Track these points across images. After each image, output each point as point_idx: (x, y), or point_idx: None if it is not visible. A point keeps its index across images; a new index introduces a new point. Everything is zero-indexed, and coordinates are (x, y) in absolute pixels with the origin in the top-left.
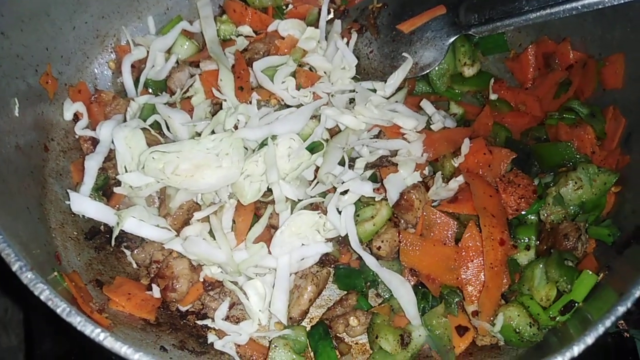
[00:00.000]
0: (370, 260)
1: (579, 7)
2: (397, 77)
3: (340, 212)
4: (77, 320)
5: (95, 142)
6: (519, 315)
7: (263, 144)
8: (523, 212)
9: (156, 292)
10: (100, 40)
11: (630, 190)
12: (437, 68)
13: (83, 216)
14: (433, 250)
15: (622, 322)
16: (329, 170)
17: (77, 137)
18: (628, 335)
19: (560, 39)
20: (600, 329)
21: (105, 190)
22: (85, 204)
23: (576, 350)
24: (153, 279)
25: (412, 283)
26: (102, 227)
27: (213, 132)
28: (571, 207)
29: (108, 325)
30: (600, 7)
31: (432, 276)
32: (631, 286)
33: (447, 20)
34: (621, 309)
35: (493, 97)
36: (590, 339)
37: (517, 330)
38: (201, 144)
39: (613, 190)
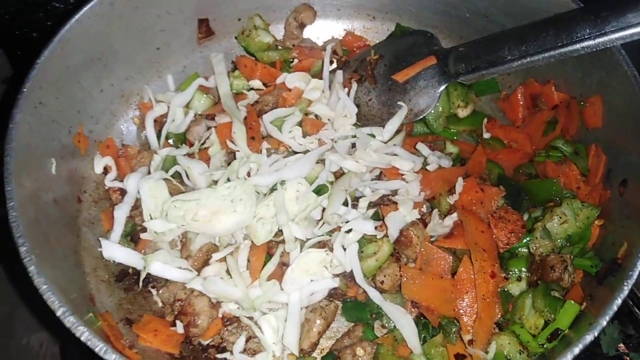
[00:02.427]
0: (374, 294)
1: (556, 55)
2: (394, 124)
3: (345, 250)
4: (112, 358)
5: (123, 192)
6: (509, 343)
7: (273, 189)
8: (514, 246)
9: (180, 328)
10: (125, 99)
11: (612, 223)
12: (433, 111)
13: (113, 261)
14: (431, 283)
15: (622, 345)
16: (334, 210)
17: (106, 188)
18: (628, 359)
19: (545, 81)
20: (569, 356)
21: (133, 236)
22: (115, 251)
23: None
24: (177, 316)
25: (414, 315)
26: (131, 270)
27: (228, 180)
28: (558, 240)
29: None
30: (575, 54)
31: (431, 307)
32: (599, 317)
33: (437, 69)
34: (589, 337)
35: (486, 135)
36: None
37: (509, 357)
38: (217, 192)
39: (596, 223)
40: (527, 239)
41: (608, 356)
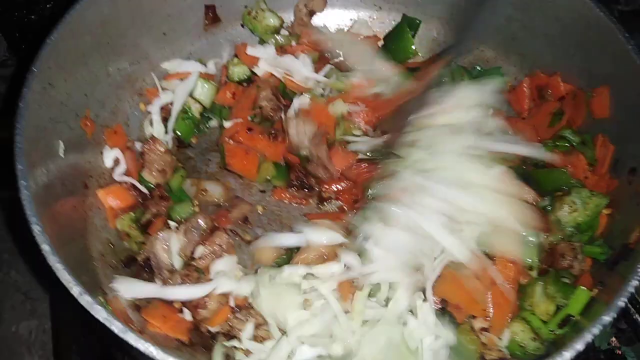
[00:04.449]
0: None
1: None
2: None
3: None
4: (132, 337)
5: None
6: (522, 331)
7: None
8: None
9: (187, 315)
10: (131, 85)
11: (620, 211)
12: None
13: (120, 246)
14: (464, 283)
15: (614, 339)
16: None
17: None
18: (620, 353)
19: (552, 73)
20: (588, 337)
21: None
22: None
23: (567, 355)
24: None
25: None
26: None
27: None
28: (568, 229)
29: None
30: None
31: (460, 306)
32: (615, 298)
33: None
34: (606, 318)
35: None
36: (580, 346)
37: (522, 344)
38: None
39: (605, 212)
40: None
41: (600, 350)
